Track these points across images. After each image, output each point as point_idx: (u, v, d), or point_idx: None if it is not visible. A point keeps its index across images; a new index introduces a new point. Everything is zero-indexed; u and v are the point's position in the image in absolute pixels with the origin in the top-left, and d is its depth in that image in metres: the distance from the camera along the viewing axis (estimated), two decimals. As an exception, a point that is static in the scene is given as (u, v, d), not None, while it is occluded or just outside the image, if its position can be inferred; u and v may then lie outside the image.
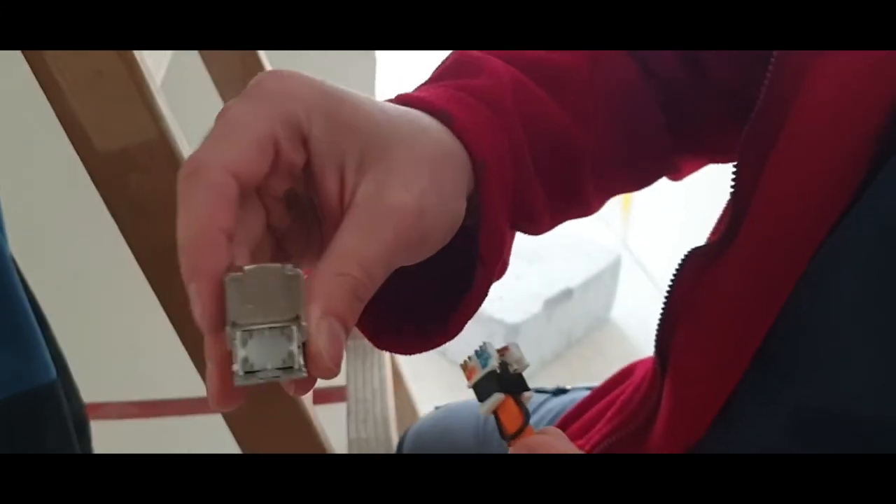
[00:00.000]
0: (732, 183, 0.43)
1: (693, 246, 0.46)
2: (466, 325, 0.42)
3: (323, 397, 1.06)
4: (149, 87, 0.46)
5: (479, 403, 0.35)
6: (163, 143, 0.47)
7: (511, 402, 0.35)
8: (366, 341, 1.02)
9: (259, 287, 0.31)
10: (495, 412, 0.35)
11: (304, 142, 0.35)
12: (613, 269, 2.32)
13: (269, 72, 0.35)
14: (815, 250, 0.39)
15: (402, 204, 0.34)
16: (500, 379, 0.35)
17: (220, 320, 0.32)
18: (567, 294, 2.16)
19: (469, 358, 0.36)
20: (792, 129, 0.39)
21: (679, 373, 0.48)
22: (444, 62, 0.46)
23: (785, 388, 0.41)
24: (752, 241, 0.42)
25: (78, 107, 0.45)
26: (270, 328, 0.32)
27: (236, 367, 0.31)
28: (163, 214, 0.48)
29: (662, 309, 0.48)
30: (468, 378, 0.36)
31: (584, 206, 0.50)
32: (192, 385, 0.56)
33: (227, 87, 0.79)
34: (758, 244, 0.41)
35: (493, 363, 0.35)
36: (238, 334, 0.31)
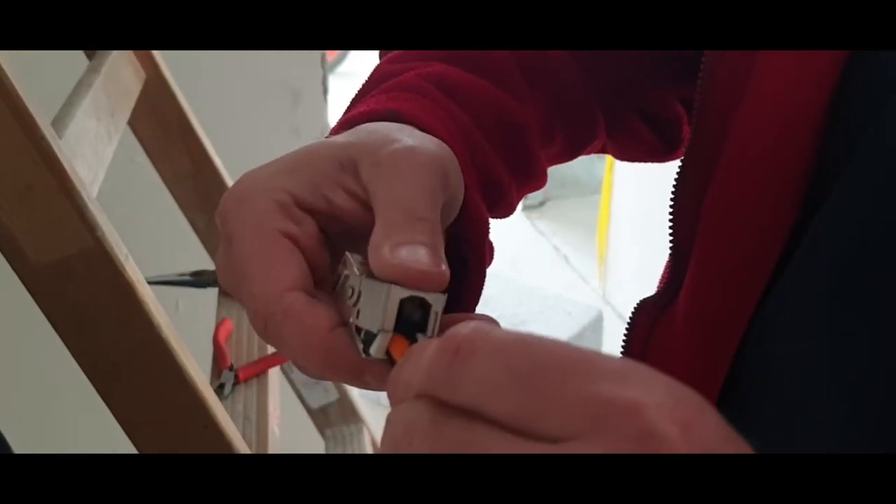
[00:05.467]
0: (670, 230, 0.43)
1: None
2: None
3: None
4: (81, 196, 0.46)
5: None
6: (100, 252, 0.46)
7: (402, 341, 0.30)
8: (345, 427, 1.00)
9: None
10: (389, 354, 0.30)
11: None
12: (596, 326, 2.32)
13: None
14: (761, 291, 0.38)
15: (411, 152, 0.35)
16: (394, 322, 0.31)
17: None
18: (552, 355, 2.14)
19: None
20: (726, 163, 0.39)
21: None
22: (364, 82, 0.47)
23: (747, 432, 0.40)
24: (698, 287, 0.41)
25: (9, 222, 0.45)
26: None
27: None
28: (104, 321, 0.47)
29: (619, 360, 0.47)
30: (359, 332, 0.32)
31: (540, 175, 0.50)
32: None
33: (176, 185, 0.79)
34: (704, 289, 0.41)
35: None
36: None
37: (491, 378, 0.23)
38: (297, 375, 0.93)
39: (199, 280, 0.80)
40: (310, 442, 1.01)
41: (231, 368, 0.69)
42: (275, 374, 0.75)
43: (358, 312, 0.32)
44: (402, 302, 0.31)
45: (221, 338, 0.73)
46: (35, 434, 1.20)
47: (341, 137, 0.38)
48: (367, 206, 0.36)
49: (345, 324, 0.33)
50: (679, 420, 0.21)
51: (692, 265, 0.41)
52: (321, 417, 0.96)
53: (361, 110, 0.41)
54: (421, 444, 0.25)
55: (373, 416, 1.24)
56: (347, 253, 0.36)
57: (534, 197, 3.59)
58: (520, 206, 0.51)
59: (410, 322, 0.31)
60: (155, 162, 0.79)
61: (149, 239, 0.97)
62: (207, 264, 0.85)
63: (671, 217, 0.43)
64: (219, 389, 0.67)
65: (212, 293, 0.85)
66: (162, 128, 0.77)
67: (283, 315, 0.32)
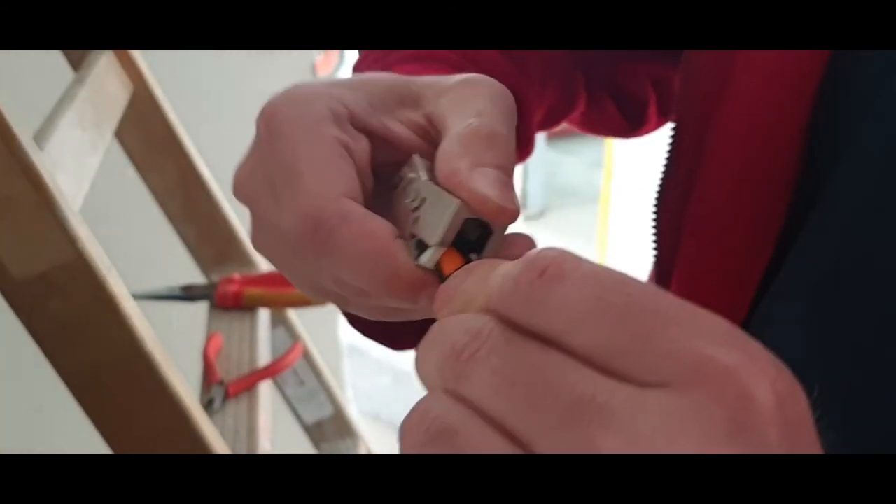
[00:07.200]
0: (654, 241, 0.42)
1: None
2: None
3: None
4: (62, 208, 0.45)
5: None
6: (81, 265, 0.45)
7: (456, 256, 0.29)
8: (341, 442, 0.99)
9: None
10: (438, 266, 0.29)
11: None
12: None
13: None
14: (749, 303, 0.37)
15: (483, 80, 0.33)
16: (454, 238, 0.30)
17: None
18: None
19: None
20: (707, 171, 0.38)
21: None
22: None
23: None
24: (683, 298, 0.40)
25: (-11, 235, 0.44)
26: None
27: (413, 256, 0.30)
28: (87, 336, 0.46)
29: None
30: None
31: (528, 144, 0.49)
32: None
33: (165, 198, 0.78)
34: (688, 300, 0.40)
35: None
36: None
37: (580, 305, 0.21)
38: (291, 390, 0.92)
39: (188, 294, 0.79)
40: (305, 457, 1.00)
41: (221, 383, 0.68)
42: (267, 389, 0.74)
43: (417, 219, 0.31)
44: (466, 220, 0.30)
45: (211, 352, 0.72)
46: (19, 450, 1.18)
47: (391, 74, 0.36)
48: (425, 136, 0.34)
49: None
50: (777, 391, 0.20)
51: (675, 277, 0.40)
52: (316, 432, 0.95)
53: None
54: (489, 357, 0.22)
55: (370, 431, 1.23)
56: (415, 155, 0.33)
57: (533, 206, 3.59)
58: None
59: (466, 240, 0.30)
60: (143, 174, 0.78)
61: (137, 252, 0.96)
62: (197, 278, 0.84)
63: (654, 228, 0.42)
64: (208, 405, 0.66)
65: (206, 308, 0.83)
66: (150, 140, 0.77)
67: (340, 219, 0.30)
